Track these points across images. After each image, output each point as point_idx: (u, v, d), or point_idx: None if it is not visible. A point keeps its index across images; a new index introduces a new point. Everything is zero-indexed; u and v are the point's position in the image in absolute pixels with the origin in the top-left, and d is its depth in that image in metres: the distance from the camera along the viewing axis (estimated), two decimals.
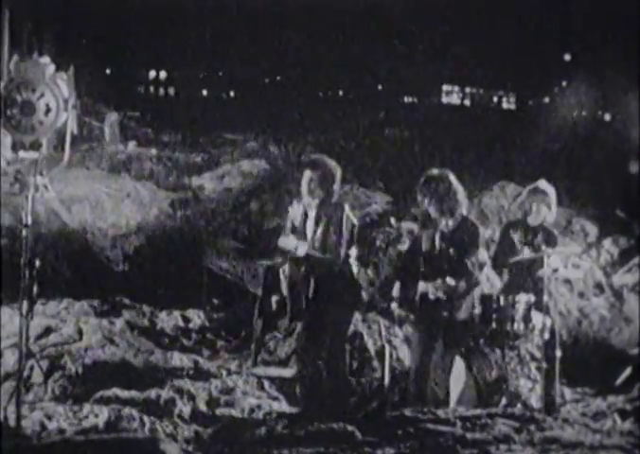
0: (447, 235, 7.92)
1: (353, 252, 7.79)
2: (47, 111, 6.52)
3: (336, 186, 7.85)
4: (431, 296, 7.79)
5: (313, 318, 7.76)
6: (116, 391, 7.88)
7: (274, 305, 9.85)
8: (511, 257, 8.61)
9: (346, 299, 7.75)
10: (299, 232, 7.89)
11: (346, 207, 7.82)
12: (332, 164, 7.88)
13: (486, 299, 8.38)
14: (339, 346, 7.81)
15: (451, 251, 7.84)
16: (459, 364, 8.11)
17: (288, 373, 8.35)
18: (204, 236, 13.09)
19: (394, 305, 8.25)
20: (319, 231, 7.72)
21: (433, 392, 7.88)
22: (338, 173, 7.86)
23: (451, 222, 7.93)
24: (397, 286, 8.13)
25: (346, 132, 20.55)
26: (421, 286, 7.85)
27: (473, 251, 7.88)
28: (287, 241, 7.89)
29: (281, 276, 8.98)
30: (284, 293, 8.35)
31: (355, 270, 7.84)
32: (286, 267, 8.23)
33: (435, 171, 8.06)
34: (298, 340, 8.09)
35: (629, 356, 9.75)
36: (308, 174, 7.82)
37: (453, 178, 7.99)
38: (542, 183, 8.73)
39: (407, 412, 7.49)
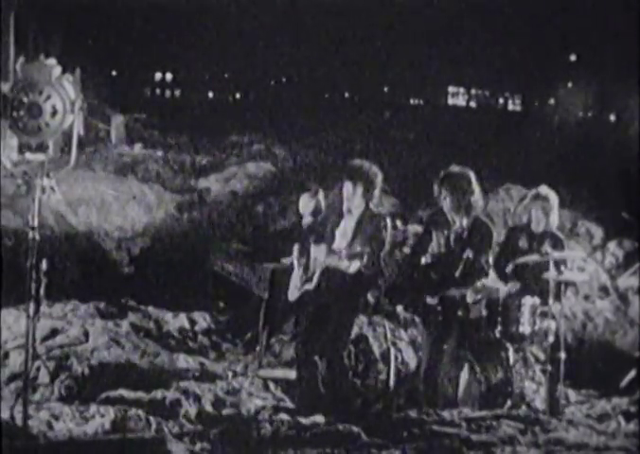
0: (461, 235, 7.93)
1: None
2: (54, 113, 6.52)
3: (377, 192, 7.82)
4: (469, 300, 7.81)
5: (314, 319, 7.79)
6: (122, 391, 7.92)
7: (279, 308, 9.88)
8: (515, 261, 8.61)
9: (350, 302, 7.76)
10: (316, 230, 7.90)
11: (389, 222, 7.78)
12: (373, 170, 7.84)
13: (492, 302, 8.40)
14: (340, 348, 7.82)
15: (467, 252, 7.84)
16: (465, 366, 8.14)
17: (292, 374, 8.38)
18: (209, 239, 13.11)
19: (399, 309, 8.27)
20: (356, 243, 7.68)
21: (442, 392, 7.91)
22: (379, 179, 7.82)
23: (465, 222, 7.92)
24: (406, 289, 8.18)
25: (352, 134, 20.54)
26: (451, 290, 7.87)
27: (487, 251, 7.89)
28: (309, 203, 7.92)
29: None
30: (289, 296, 8.37)
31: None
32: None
33: (456, 168, 8.03)
34: (298, 341, 8.13)
35: (633, 358, 9.76)
36: (349, 186, 7.79)
37: (473, 177, 7.97)
38: (543, 189, 8.70)
39: (412, 414, 7.51)
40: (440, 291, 7.89)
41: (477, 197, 7.95)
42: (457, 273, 7.87)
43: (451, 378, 7.96)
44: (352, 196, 7.73)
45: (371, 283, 7.87)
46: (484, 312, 8.31)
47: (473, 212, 7.95)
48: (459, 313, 7.87)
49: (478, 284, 7.83)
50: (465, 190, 7.89)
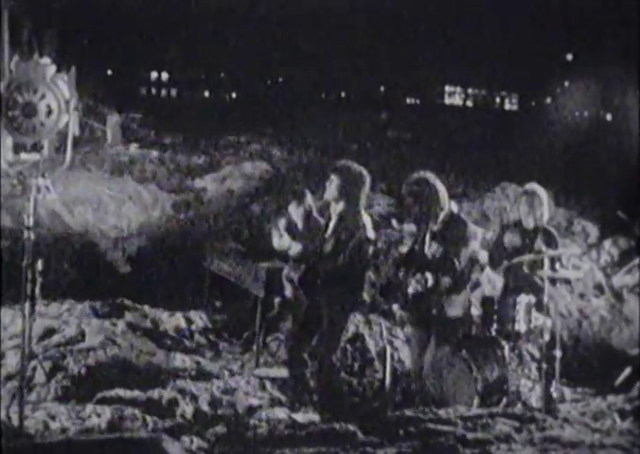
0: (436, 233, 7.93)
1: (369, 276, 7.81)
2: (49, 112, 6.50)
3: (363, 193, 7.81)
4: (410, 290, 7.82)
5: (307, 318, 7.80)
6: (119, 391, 7.92)
7: (275, 307, 9.90)
8: (508, 259, 8.64)
9: (343, 300, 7.75)
10: (298, 233, 7.93)
11: (368, 224, 7.78)
12: (360, 170, 7.84)
13: (487, 300, 8.41)
14: (332, 347, 7.82)
15: (435, 247, 7.85)
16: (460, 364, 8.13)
17: (286, 373, 8.39)
18: (205, 238, 13.11)
19: (396, 307, 8.27)
20: (330, 243, 7.69)
21: (430, 390, 7.92)
22: (367, 180, 7.82)
23: (439, 221, 7.94)
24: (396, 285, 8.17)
25: (349, 134, 20.58)
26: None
27: (461, 247, 7.87)
28: (281, 242, 7.98)
29: (283, 279, 9.06)
30: (285, 295, 8.37)
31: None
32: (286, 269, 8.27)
33: (415, 174, 8.05)
34: (289, 339, 8.14)
35: (628, 356, 9.79)
36: (334, 180, 7.78)
37: (433, 179, 7.98)
38: (533, 186, 8.76)
39: (408, 412, 7.52)
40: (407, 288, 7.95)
41: (442, 197, 7.95)
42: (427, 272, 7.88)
43: (435, 377, 7.96)
44: (334, 192, 7.75)
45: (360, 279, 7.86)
46: (475, 311, 8.33)
47: (443, 212, 7.94)
48: (434, 312, 7.86)
49: (417, 275, 7.80)
50: (427, 195, 7.91)
